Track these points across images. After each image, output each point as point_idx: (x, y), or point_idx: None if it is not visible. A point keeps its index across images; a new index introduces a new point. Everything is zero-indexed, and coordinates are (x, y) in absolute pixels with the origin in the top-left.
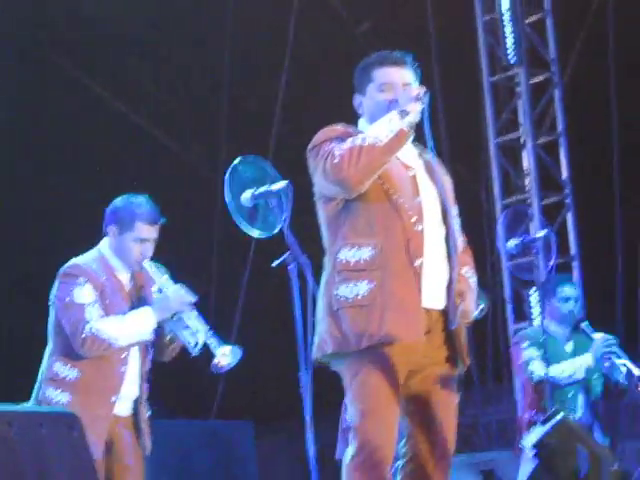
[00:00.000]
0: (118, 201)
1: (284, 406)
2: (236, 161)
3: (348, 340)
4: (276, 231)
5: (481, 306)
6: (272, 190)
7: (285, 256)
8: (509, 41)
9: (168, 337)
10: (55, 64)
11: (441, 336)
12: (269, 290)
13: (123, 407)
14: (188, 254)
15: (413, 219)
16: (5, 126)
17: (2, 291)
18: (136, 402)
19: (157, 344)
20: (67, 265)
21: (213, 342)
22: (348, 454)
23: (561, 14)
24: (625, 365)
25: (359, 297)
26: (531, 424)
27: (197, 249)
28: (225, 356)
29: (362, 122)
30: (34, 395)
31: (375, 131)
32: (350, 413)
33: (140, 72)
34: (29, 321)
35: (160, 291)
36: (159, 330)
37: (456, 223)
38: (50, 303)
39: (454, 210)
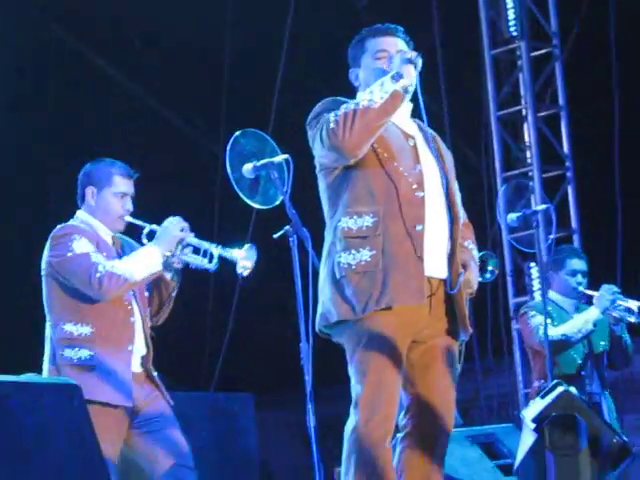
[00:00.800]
0: (88, 165)
1: (285, 378)
2: (237, 133)
3: (352, 307)
4: (277, 203)
5: (491, 268)
6: (274, 162)
7: (286, 228)
8: (510, 14)
9: (170, 275)
10: (58, 37)
11: (443, 307)
12: (270, 262)
13: (134, 362)
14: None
15: (414, 186)
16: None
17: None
18: (144, 359)
19: (157, 294)
20: (57, 228)
21: (227, 252)
22: (350, 425)
23: None
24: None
25: (362, 263)
26: (536, 394)
27: (198, 221)
28: (245, 259)
29: (359, 94)
30: (49, 361)
31: (367, 94)
32: (352, 384)
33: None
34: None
35: (151, 232)
36: (158, 281)
37: (457, 196)
38: (43, 273)
39: (455, 184)
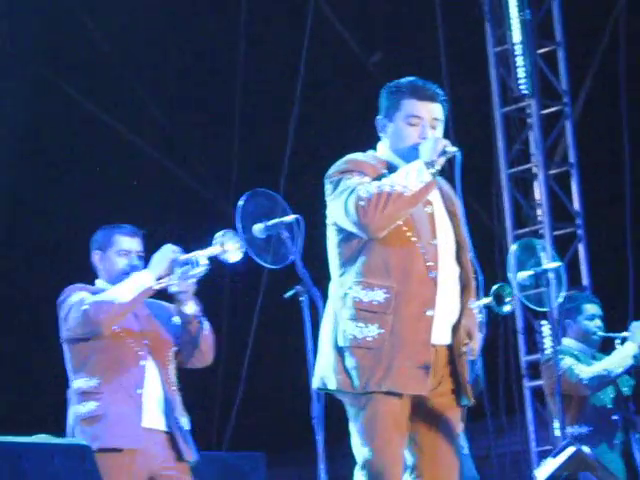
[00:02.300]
0: (96, 233)
1: (296, 437)
2: (247, 193)
3: (352, 381)
4: (288, 263)
5: (508, 299)
6: (284, 222)
7: (297, 288)
8: (521, 72)
9: (188, 307)
10: (65, 93)
11: (446, 369)
12: (281, 321)
13: (152, 413)
14: (199, 283)
15: (428, 263)
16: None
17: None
18: (167, 414)
19: (186, 333)
20: (62, 292)
21: (211, 250)
22: None
23: (573, 46)
24: None
25: (368, 339)
26: (582, 440)
27: (208, 280)
28: (224, 245)
29: (383, 146)
30: (69, 415)
31: (402, 178)
32: (355, 446)
33: (150, 101)
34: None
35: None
36: (178, 329)
37: (469, 263)
38: (61, 340)
39: (467, 243)
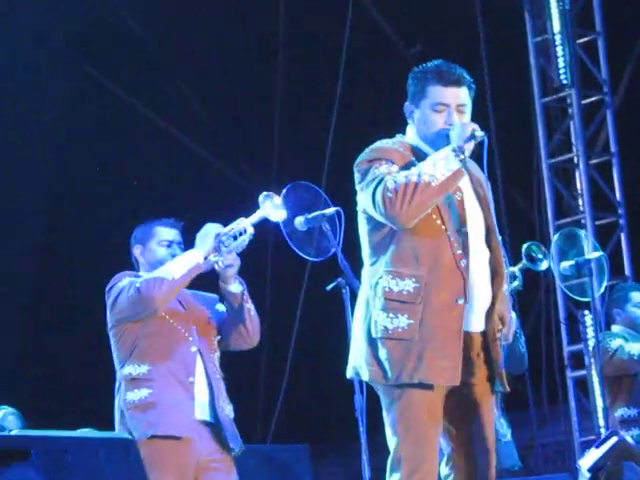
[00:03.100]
0: (135, 229)
1: (340, 428)
2: (288, 186)
3: (385, 373)
4: (329, 255)
5: (540, 256)
6: (325, 214)
7: (338, 280)
8: (561, 62)
9: (231, 285)
10: (106, 88)
11: (481, 356)
12: (323, 313)
13: (199, 402)
14: (242, 279)
15: (458, 252)
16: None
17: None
18: (213, 403)
19: (231, 312)
20: (111, 279)
21: (254, 217)
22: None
23: (612, 35)
24: None
25: (399, 330)
26: (631, 422)
27: (251, 274)
28: (271, 209)
29: (410, 131)
30: (117, 407)
31: (429, 168)
32: (389, 436)
33: (193, 97)
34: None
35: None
36: (222, 316)
37: (499, 248)
38: (108, 327)
39: (495, 228)
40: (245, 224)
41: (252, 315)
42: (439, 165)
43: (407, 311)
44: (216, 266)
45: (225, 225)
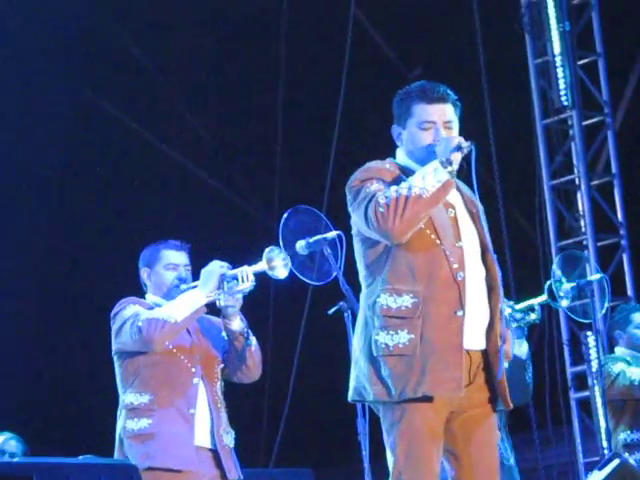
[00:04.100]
0: (142, 251)
1: (343, 452)
2: (289, 211)
3: (389, 390)
4: (331, 279)
5: (562, 294)
6: (326, 238)
7: (340, 304)
8: (561, 84)
9: (235, 323)
10: (106, 112)
11: (482, 376)
12: (326, 337)
13: (200, 430)
14: (245, 299)
15: (455, 265)
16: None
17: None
18: (212, 428)
19: (233, 349)
20: (115, 304)
21: (256, 266)
22: None
23: (613, 56)
24: None
25: (400, 346)
26: (634, 446)
27: (252, 298)
28: (272, 262)
29: (400, 153)
30: (118, 434)
31: (419, 181)
32: (390, 458)
33: (194, 119)
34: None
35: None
36: (226, 344)
37: (495, 265)
38: (112, 353)
39: (489, 244)
40: (248, 272)
41: (253, 351)
42: (428, 178)
43: (407, 326)
44: (217, 302)
45: (230, 262)
